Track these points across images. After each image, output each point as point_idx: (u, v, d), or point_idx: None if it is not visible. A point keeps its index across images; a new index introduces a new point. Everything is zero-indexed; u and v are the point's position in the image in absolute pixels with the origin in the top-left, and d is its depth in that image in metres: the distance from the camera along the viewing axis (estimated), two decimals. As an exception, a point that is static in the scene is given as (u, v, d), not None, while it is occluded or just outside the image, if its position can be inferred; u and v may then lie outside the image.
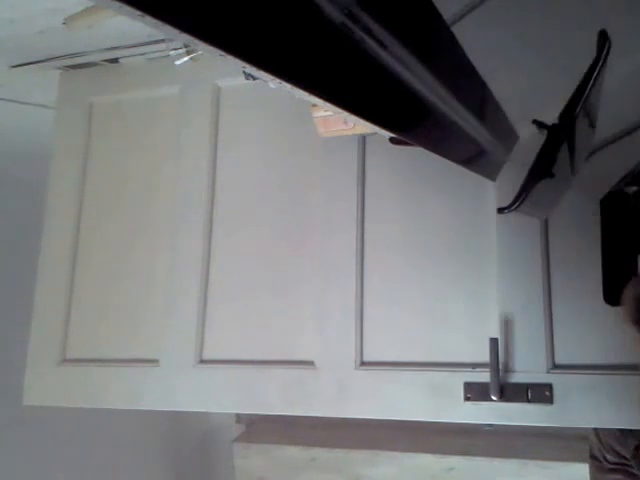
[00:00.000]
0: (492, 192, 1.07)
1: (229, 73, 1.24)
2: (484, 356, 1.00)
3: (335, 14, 0.32)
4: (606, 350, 0.97)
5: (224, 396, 1.14)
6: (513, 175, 0.69)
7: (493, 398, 0.98)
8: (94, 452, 1.84)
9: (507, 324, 1.02)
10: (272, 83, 0.33)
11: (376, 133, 0.50)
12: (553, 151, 0.62)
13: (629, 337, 0.80)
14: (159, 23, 0.24)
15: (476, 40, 0.73)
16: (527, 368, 1.00)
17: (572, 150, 0.66)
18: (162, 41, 1.21)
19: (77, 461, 1.78)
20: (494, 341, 0.98)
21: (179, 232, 1.24)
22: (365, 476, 2.06)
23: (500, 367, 0.99)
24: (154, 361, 1.20)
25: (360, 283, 1.12)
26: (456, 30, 0.48)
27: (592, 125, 0.80)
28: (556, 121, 0.63)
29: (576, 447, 1.82)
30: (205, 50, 0.27)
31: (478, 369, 1.02)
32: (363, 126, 0.45)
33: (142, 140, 1.33)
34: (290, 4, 0.30)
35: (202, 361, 1.18)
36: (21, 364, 1.26)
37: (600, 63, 0.60)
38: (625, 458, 1.01)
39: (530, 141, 0.67)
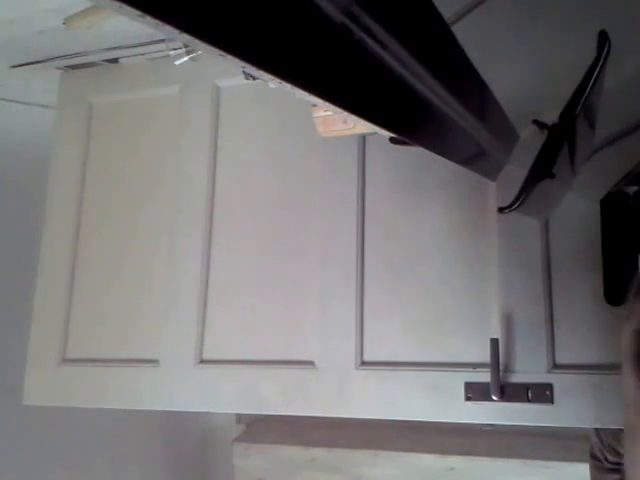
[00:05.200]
0: (492, 192, 1.07)
1: (229, 73, 1.24)
2: (485, 356, 1.00)
3: (335, 14, 0.32)
4: (606, 350, 0.97)
5: (224, 396, 1.14)
6: (513, 175, 0.69)
7: (494, 398, 0.98)
8: (94, 452, 1.84)
9: (507, 324, 1.02)
10: (272, 83, 0.33)
11: (376, 133, 0.50)
12: (553, 151, 0.62)
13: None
14: (159, 23, 0.24)
15: (476, 40, 0.73)
16: (527, 368, 1.00)
17: (572, 150, 0.66)
18: (162, 41, 1.21)
19: (77, 461, 1.78)
20: (495, 341, 0.98)
21: (179, 232, 1.24)
22: (365, 476, 2.06)
23: (500, 367, 0.99)
24: (154, 361, 1.20)
25: (360, 283, 1.12)
26: (456, 30, 0.47)
27: (592, 125, 0.80)
28: (556, 121, 0.63)
29: (576, 447, 1.82)
30: (205, 50, 0.27)
31: (479, 369, 1.02)
32: (363, 126, 0.45)
33: (142, 140, 1.33)
34: (290, 4, 0.29)
35: (202, 361, 1.18)
36: (21, 364, 1.26)
37: (600, 63, 0.60)
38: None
39: (530, 141, 0.67)
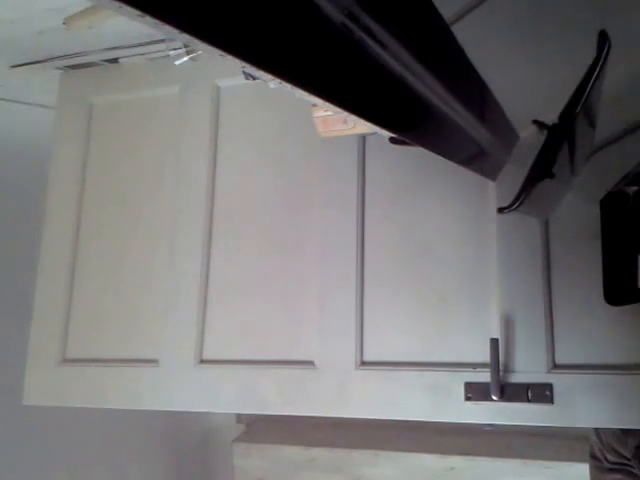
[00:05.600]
0: (492, 192, 1.07)
1: (229, 73, 1.24)
2: (484, 356, 1.00)
3: (335, 14, 0.32)
4: (606, 350, 0.97)
5: (224, 396, 1.14)
6: (513, 175, 0.69)
7: (494, 398, 0.98)
8: (94, 452, 1.84)
9: (507, 324, 1.02)
10: (272, 83, 0.33)
11: (376, 133, 0.50)
12: (553, 151, 0.62)
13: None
14: (159, 23, 0.24)
15: (476, 40, 0.73)
16: (527, 368, 1.00)
17: (572, 150, 0.66)
18: (162, 41, 1.21)
19: (77, 461, 1.78)
20: (494, 341, 0.98)
21: (179, 232, 1.24)
22: (365, 476, 2.06)
23: (500, 367, 0.99)
24: (154, 361, 1.20)
25: (360, 283, 1.12)
26: (456, 30, 0.47)
27: (592, 125, 0.80)
28: (556, 121, 0.63)
29: (576, 447, 1.82)
30: (205, 50, 0.27)
31: (478, 369, 1.02)
32: (363, 126, 0.45)
33: (142, 140, 1.33)
34: (290, 4, 0.29)
35: (202, 361, 1.18)
36: (21, 364, 1.26)
37: (600, 63, 0.60)
38: (626, 458, 1.01)
39: (530, 141, 0.67)
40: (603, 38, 0.60)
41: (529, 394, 0.98)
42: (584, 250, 1.00)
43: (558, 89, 0.67)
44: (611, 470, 1.04)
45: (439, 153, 0.57)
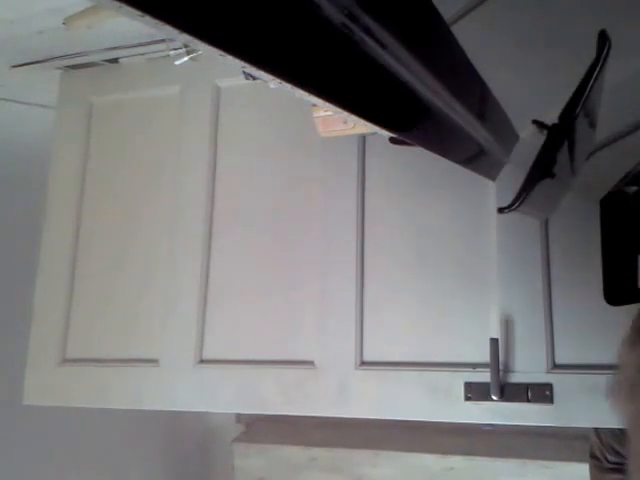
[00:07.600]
0: (492, 192, 1.07)
1: (229, 73, 1.24)
2: (484, 356, 1.00)
3: (335, 14, 0.32)
4: (606, 350, 0.97)
5: (224, 396, 1.14)
6: (513, 175, 0.69)
7: (493, 398, 0.98)
8: (94, 452, 1.84)
9: (507, 324, 1.02)
10: (272, 83, 0.33)
11: (376, 133, 0.50)
12: (553, 151, 0.62)
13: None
14: (159, 23, 0.24)
15: (476, 40, 0.73)
16: (527, 368, 1.00)
17: (572, 150, 0.66)
18: (162, 41, 1.21)
19: (77, 461, 1.78)
20: (494, 341, 0.98)
21: (179, 232, 1.24)
22: (365, 476, 2.06)
23: (500, 367, 0.99)
24: (154, 361, 1.20)
25: (360, 283, 1.12)
26: (456, 30, 0.47)
27: (592, 125, 0.80)
28: (556, 121, 0.63)
29: (576, 447, 1.82)
30: (205, 50, 0.27)
31: (478, 369, 1.02)
32: (363, 126, 0.45)
33: (142, 140, 1.33)
34: (290, 4, 0.29)
35: (202, 361, 1.18)
36: (21, 364, 1.26)
37: (600, 63, 0.60)
38: (625, 458, 1.01)
39: (530, 141, 0.67)
40: (603, 38, 0.60)
41: (529, 394, 0.98)
42: (584, 250, 1.00)
43: (558, 89, 0.67)
44: (611, 470, 1.04)
45: (439, 153, 0.57)
